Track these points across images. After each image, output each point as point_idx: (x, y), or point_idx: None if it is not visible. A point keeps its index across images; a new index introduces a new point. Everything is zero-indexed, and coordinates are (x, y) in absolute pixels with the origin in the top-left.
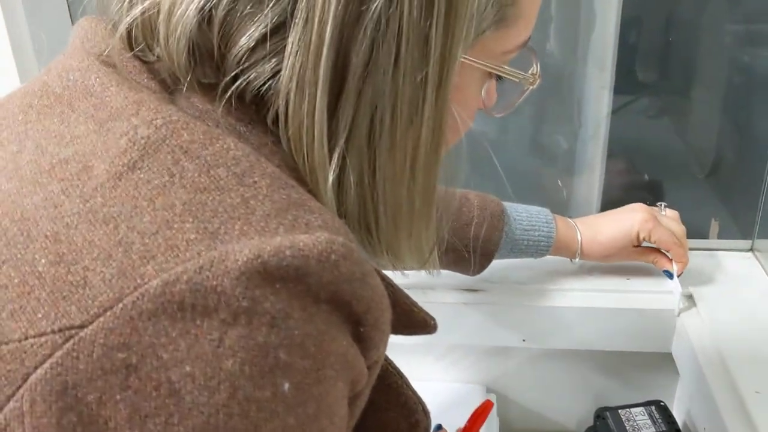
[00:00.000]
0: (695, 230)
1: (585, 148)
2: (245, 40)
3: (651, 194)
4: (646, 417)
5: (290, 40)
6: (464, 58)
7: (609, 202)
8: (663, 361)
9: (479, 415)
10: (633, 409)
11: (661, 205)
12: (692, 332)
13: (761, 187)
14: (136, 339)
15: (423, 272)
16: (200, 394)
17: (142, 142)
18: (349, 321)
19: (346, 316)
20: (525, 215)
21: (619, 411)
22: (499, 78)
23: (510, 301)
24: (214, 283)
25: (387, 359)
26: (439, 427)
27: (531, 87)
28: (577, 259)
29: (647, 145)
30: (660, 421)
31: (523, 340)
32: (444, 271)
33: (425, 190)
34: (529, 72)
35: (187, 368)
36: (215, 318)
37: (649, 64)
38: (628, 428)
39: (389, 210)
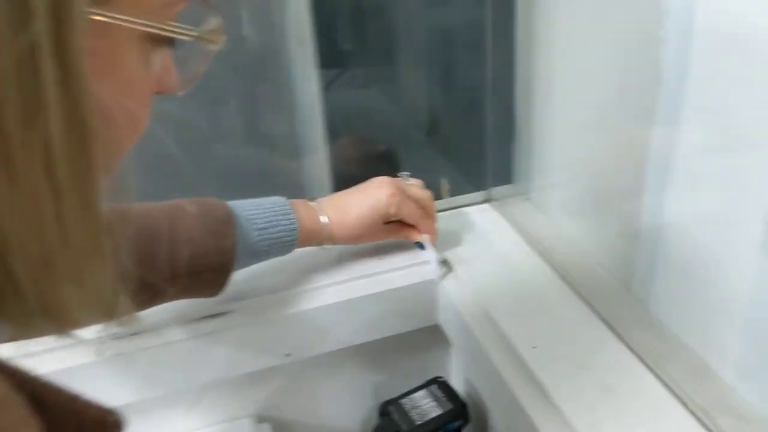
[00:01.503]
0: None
1: (305, 130)
2: None
3: (383, 163)
4: (430, 399)
5: None
6: (99, 13)
7: (342, 180)
8: (434, 335)
9: None
10: (415, 395)
11: (403, 174)
12: (455, 297)
13: (485, 138)
14: None
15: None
16: None
17: None
18: None
19: None
20: (258, 212)
21: (401, 401)
22: (171, 44)
23: (263, 317)
24: None
25: None
26: None
27: (215, 47)
28: (327, 246)
29: (366, 116)
30: (444, 398)
31: (287, 355)
32: (177, 302)
33: (84, 216)
34: (207, 28)
35: None
36: None
37: (350, 35)
38: (414, 417)
39: (30, 256)
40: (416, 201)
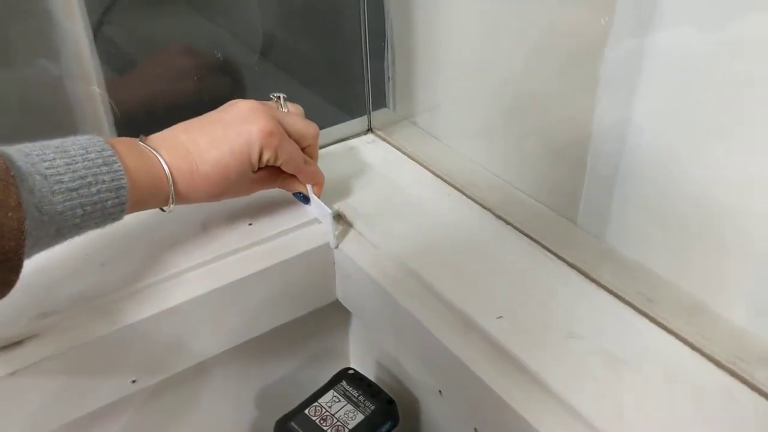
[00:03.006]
0: None
1: (72, 72)
2: None
3: (226, 82)
4: (343, 401)
5: None
6: None
7: (156, 116)
8: (332, 316)
9: None
10: (321, 400)
11: (279, 97)
12: (361, 260)
13: (362, 55)
14: None
15: None
16: None
17: None
18: None
19: None
20: (61, 162)
21: (306, 412)
22: None
23: (87, 336)
24: None
25: None
26: None
27: None
28: (171, 207)
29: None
30: (361, 397)
31: (134, 382)
32: None
33: None
34: None
35: None
36: None
37: None
38: (327, 430)
39: None
40: (298, 140)
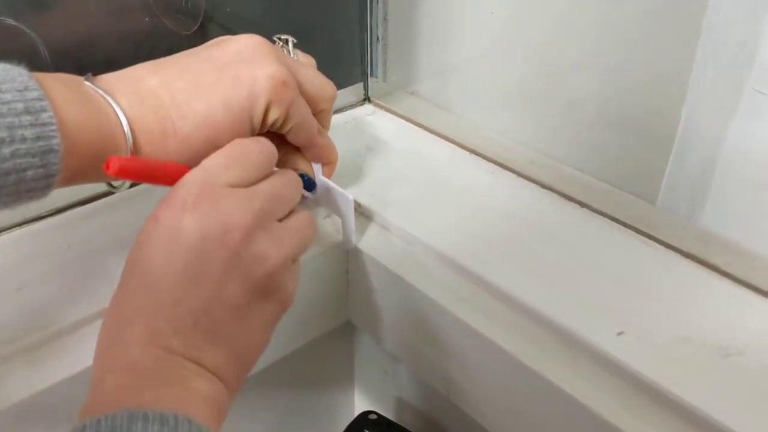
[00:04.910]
0: None
1: None
2: None
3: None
4: None
5: None
6: None
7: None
8: (336, 344)
9: None
10: None
11: (286, 40)
12: (391, 263)
13: (366, 17)
14: None
15: None
16: None
17: None
18: None
19: None
20: None
21: None
22: None
23: (8, 396)
24: None
25: None
26: None
27: None
28: (123, 181)
29: None
30: None
31: None
32: None
33: None
34: None
35: None
36: None
37: None
38: None
39: None
40: (312, 100)
